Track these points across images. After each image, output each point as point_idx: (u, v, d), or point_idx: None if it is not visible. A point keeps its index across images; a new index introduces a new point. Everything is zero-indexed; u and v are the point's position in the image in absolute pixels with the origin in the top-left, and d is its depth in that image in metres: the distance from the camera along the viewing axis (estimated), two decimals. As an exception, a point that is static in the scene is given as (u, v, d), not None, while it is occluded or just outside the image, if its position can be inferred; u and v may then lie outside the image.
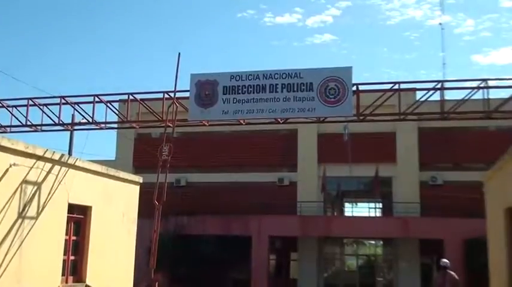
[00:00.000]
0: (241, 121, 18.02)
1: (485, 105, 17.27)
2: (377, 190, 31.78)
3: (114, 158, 35.29)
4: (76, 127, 20.57)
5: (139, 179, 20.08)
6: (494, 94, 17.37)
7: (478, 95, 17.22)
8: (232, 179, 33.67)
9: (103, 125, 19.22)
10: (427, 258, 32.03)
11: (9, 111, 19.00)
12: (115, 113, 19.50)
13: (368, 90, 18.61)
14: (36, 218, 13.99)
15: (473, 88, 17.14)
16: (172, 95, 16.85)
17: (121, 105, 22.52)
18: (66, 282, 15.58)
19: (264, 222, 30.44)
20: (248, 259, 30.19)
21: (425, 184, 31.84)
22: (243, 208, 31.94)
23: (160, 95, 18.57)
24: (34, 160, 13.87)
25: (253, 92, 16.94)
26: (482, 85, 17.00)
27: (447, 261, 16.05)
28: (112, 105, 19.07)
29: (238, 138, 33.93)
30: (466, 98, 17.30)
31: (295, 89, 16.68)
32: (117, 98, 19.72)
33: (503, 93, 17.55)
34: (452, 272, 16.06)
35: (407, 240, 30.75)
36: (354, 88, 17.05)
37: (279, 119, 17.71)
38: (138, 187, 20.01)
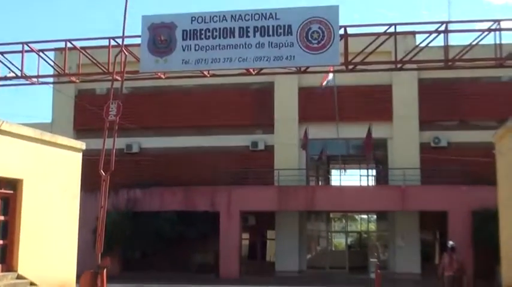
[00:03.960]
0: (205, 73, 17.99)
1: (497, 51, 17.51)
2: (370, 153, 32.09)
3: (50, 121, 34.91)
4: (1, 83, 20.26)
5: (81, 145, 19.98)
6: (507, 38, 17.61)
7: (489, 40, 17.46)
8: (195, 144, 33.65)
9: (35, 80, 19.00)
10: (429, 234, 32.76)
11: None
12: (50, 64, 19.28)
13: (358, 34, 18.69)
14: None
15: (483, 31, 17.35)
16: (120, 41, 16.69)
17: (57, 55, 22.23)
18: (-7, 271, 15.60)
19: (234, 195, 30.66)
20: (215, 239, 30.48)
21: (426, 146, 32.23)
22: (208, 179, 32.03)
23: (106, 42, 18.38)
24: None
25: (220, 37, 16.89)
26: (494, 27, 17.21)
27: (454, 243, 17.80)
28: (46, 55, 18.81)
29: (202, 94, 33.76)
30: (475, 42, 17.52)
31: (271, 33, 16.68)
32: (52, 46, 19.47)
33: (519, 37, 17.81)
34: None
35: (406, 213, 31.30)
36: (342, 31, 17.10)
37: (251, 70, 17.72)
38: (80, 155, 19.93)
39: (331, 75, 29.03)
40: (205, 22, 16.89)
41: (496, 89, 31.39)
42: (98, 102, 28.04)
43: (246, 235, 33.71)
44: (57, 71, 19.18)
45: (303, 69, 18.15)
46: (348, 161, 36.53)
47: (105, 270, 13.62)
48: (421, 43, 17.78)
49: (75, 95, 34.89)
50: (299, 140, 32.47)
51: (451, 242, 17.87)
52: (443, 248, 19.39)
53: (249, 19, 16.69)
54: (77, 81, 20.90)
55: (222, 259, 30.22)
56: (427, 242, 32.25)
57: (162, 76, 18.48)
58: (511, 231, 18.37)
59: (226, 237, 30.16)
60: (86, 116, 33.20)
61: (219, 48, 16.81)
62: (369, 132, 30.48)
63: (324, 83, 29.72)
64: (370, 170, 35.57)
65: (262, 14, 16.71)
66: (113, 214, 28.80)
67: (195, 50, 16.90)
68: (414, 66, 20.17)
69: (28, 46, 18.45)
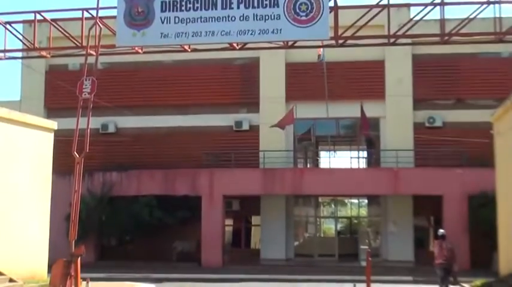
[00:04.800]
0: (186, 47, 17.89)
1: (497, 25, 17.54)
2: (364, 131, 31.94)
3: (18, 98, 34.64)
4: (-35, 57, 20.05)
5: (52, 124, 19.88)
6: (508, 12, 17.63)
7: (488, 13, 17.48)
8: (176, 124, 33.54)
9: (1, 55, 18.83)
10: (423, 219, 32.95)
11: None
12: (18, 38, 19.08)
13: (349, 6, 18.69)
14: None
15: (482, 3, 17.35)
16: (94, 13, 16.53)
17: (26, 27, 22.03)
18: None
19: (216, 178, 30.64)
20: (197, 226, 30.50)
21: (420, 126, 32.31)
22: (189, 161, 32.01)
23: (79, 14, 18.21)
24: None
25: (201, 9, 16.78)
26: (493, -1, 17.22)
27: (444, 231, 18.02)
28: (13, 28, 18.61)
29: (182, 69, 33.59)
30: (473, 16, 17.53)
31: (256, 5, 16.59)
32: (20, 18, 19.31)
33: (520, 10, 17.84)
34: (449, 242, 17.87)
35: (398, 197, 31.46)
36: (331, 3, 17.05)
37: (235, 44, 17.64)
38: (51, 135, 19.84)
39: (320, 51, 28.92)
40: (185, -7, 16.77)
41: (495, 65, 31.43)
42: (70, 78, 27.78)
43: (229, 221, 33.76)
44: (26, 45, 18.99)
45: (290, 43, 18.11)
46: (337, 142, 36.58)
47: (79, 259, 13.58)
48: (415, 16, 17.77)
49: (45, 71, 34.56)
50: (286, 120, 32.37)
51: (441, 230, 18.18)
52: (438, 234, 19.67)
53: (232, -10, 16.58)
54: (48, 56, 20.71)
55: (204, 247, 30.23)
56: (421, 228, 32.40)
57: (140, 51, 18.35)
58: (510, 216, 18.54)
59: (209, 223, 30.16)
60: (57, 93, 32.93)
61: (201, 21, 16.70)
62: (362, 110, 30.50)
63: (321, 53, 29.51)
64: (361, 152, 35.62)
65: (246, -16, 16.61)
66: (87, 198, 28.79)
67: (175, 22, 16.79)
68: (408, 41, 20.23)
69: (-6, 18, 18.23)
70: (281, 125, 31.00)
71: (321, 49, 28.57)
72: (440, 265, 17.28)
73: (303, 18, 16.48)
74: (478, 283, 18.51)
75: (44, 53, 20.01)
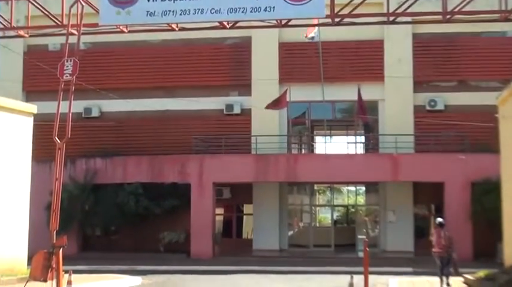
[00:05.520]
0: (174, 26, 17.80)
1: (502, 3, 17.52)
2: (365, 116, 31.95)
3: (-5, 80, 34.53)
4: None
5: (32, 108, 19.79)
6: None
7: (493, -11, 17.43)
8: (163, 107, 33.45)
9: (-23, 34, 18.67)
10: (423, 208, 33.06)
11: None
12: (-6, 16, 18.94)
13: (346, -17, 18.57)
14: None
15: (486, -21, 17.31)
16: (75, -11, 16.39)
17: (2, 5, 21.87)
18: None
19: (206, 164, 30.64)
20: (186, 215, 30.53)
21: (421, 109, 32.36)
22: (178, 146, 31.98)
23: (59, -10, 18.06)
24: None
25: (189, -14, 16.68)
26: (498, -26, 17.19)
27: (442, 219, 18.56)
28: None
29: (170, 50, 33.49)
30: (477, -8, 17.50)
31: (247, -19, 16.50)
32: (-3, -6, 19.10)
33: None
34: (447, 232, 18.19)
35: (398, 185, 31.54)
36: (328, -21, 16.96)
37: (226, 23, 17.56)
38: (31, 120, 19.74)
39: (316, 30, 28.82)
40: (173, -32, 16.66)
41: (500, 45, 31.49)
42: (51, 60, 27.70)
43: (220, 210, 33.82)
44: (2, 24, 18.86)
45: (283, 22, 18.04)
46: (334, 126, 36.59)
47: (61, 250, 13.54)
48: (416, -7, 17.72)
49: (24, 51, 34.43)
50: (280, 103, 32.31)
51: (439, 219, 18.61)
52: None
53: (222, -35, 16.49)
54: (26, 35, 20.59)
55: (193, 237, 30.27)
56: (421, 217, 32.53)
57: (125, 30, 18.25)
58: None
59: (198, 212, 30.19)
60: (37, 75, 32.84)
61: (189, -2, 16.61)
62: (359, 93, 30.49)
63: (309, 36, 29.42)
64: (358, 137, 35.65)
65: (237, -42, 16.52)
66: (69, 186, 28.75)
67: (162, 0, 16.69)
68: (409, 19, 20.14)
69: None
70: (273, 107, 30.98)
71: (311, 30, 28.56)
72: (437, 253, 17.68)
73: (298, -5, 16.39)
74: (481, 274, 18.55)
75: (22, 32, 19.89)
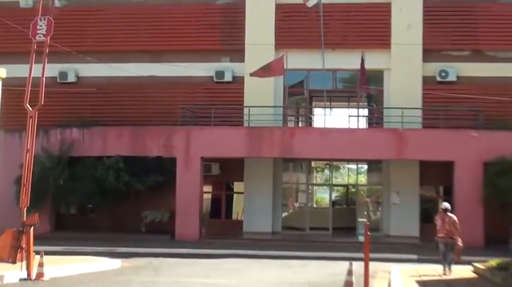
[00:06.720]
0: (159, -17, 17.61)
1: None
2: (366, 87, 31.91)
3: (-39, 41, 34.34)
4: None
5: (1, 71, 19.60)
6: None
7: None
8: (147, 73, 33.28)
9: None
10: (431, 189, 33.13)
11: None
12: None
13: None
14: None
15: None
16: None
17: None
18: None
19: (194, 137, 30.57)
20: (170, 192, 30.52)
21: (430, 80, 32.30)
22: (163, 117, 31.91)
23: None
24: None
25: None
26: None
27: (448, 205, 19.16)
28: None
29: (155, 9, 33.35)
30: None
31: None
32: None
33: None
34: (453, 215, 18.87)
35: (403, 163, 31.56)
36: None
37: (217, -19, 17.38)
38: None
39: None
40: None
41: (520, 11, 31.43)
42: (22, 18, 27.52)
43: (208, 188, 33.84)
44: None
45: (282, -19, 17.88)
46: (334, 97, 36.55)
47: (31, 229, 13.51)
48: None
49: (-7, 9, 34.20)
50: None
51: (445, 203, 19.27)
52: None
53: None
54: (-4, -9, 20.37)
55: (178, 217, 30.28)
56: (428, 199, 32.59)
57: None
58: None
59: (184, 190, 30.18)
60: (6, 35, 32.60)
61: (177, -47, 16.44)
62: (362, 62, 30.37)
63: (309, 3, 29.28)
64: (361, 110, 35.61)
65: None
66: (42, 159, 28.63)
67: (147, -47, 16.52)
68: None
69: None
70: (263, 74, 30.49)
71: None
72: (441, 238, 18.32)
73: (298, -49, 16.27)
74: (493, 263, 18.53)
75: (-9, -13, 19.65)
